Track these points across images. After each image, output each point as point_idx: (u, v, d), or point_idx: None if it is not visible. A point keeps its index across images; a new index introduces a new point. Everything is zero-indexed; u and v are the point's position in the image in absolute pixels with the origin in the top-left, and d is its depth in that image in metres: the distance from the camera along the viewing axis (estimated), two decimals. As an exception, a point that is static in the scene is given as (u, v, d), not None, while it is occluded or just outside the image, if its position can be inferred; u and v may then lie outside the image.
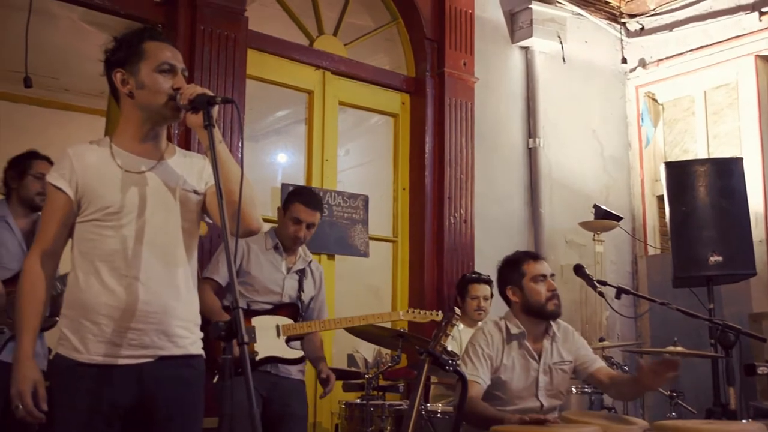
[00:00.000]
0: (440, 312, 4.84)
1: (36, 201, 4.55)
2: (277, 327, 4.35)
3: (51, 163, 4.62)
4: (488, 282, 5.59)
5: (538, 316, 4.07)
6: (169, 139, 2.96)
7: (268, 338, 4.29)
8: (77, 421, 2.59)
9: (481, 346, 4.00)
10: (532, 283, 4.06)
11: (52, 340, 2.87)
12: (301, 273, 4.61)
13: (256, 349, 4.19)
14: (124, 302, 2.62)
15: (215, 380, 3.89)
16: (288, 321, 4.41)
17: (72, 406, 2.60)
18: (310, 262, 4.70)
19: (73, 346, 2.64)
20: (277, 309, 4.43)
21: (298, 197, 4.58)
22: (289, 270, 4.55)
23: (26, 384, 2.56)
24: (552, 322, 4.13)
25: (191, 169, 2.83)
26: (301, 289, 4.57)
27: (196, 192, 2.79)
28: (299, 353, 4.45)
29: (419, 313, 4.81)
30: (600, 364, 4.22)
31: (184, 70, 2.78)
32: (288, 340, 4.39)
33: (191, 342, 2.75)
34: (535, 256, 4.23)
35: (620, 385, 4.12)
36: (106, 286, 2.63)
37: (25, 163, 4.60)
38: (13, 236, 4.47)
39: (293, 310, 4.48)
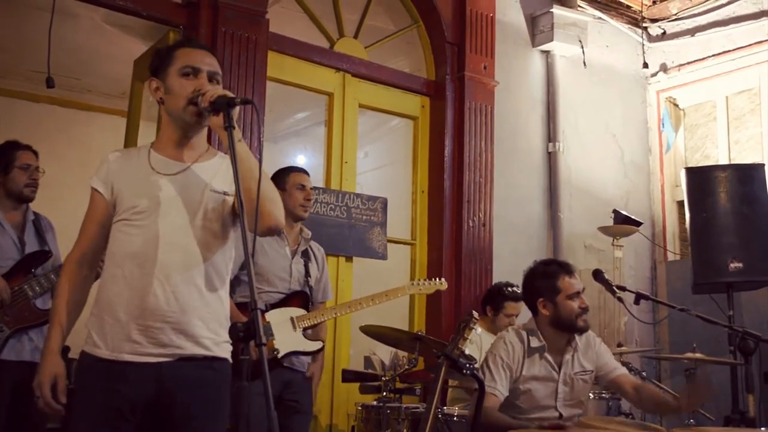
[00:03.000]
0: (443, 280, 4.88)
1: (25, 193, 4.45)
2: (292, 320, 4.33)
3: (34, 152, 4.55)
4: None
5: (566, 330, 4.09)
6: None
7: (286, 333, 4.27)
8: (92, 414, 2.63)
9: (501, 356, 4.03)
10: (567, 301, 4.05)
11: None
12: (306, 256, 4.57)
13: (276, 346, 4.18)
14: (144, 300, 2.65)
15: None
16: (301, 312, 4.38)
17: (88, 399, 2.65)
18: (310, 239, 4.65)
19: (95, 342, 2.69)
20: (288, 299, 4.39)
21: (291, 169, 4.61)
22: (293, 254, 4.51)
23: (46, 376, 2.65)
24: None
25: (227, 171, 2.84)
26: (307, 274, 4.53)
27: (225, 194, 2.80)
28: (319, 343, 4.45)
29: (424, 284, 4.82)
30: (622, 370, 4.26)
31: (215, 74, 2.80)
32: (304, 331, 4.40)
33: (215, 343, 2.74)
34: (569, 270, 4.18)
35: (648, 400, 4.13)
36: (128, 284, 2.67)
37: (10, 155, 4.47)
38: (4, 231, 4.37)
39: (304, 298, 4.44)
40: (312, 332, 4.58)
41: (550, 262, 4.36)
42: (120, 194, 2.77)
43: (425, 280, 4.91)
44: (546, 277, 4.14)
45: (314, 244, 4.73)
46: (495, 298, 5.74)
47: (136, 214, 2.72)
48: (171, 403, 2.65)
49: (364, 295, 4.68)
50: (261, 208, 2.54)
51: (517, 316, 5.59)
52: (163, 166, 2.79)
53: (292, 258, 4.50)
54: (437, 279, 4.89)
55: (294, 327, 4.33)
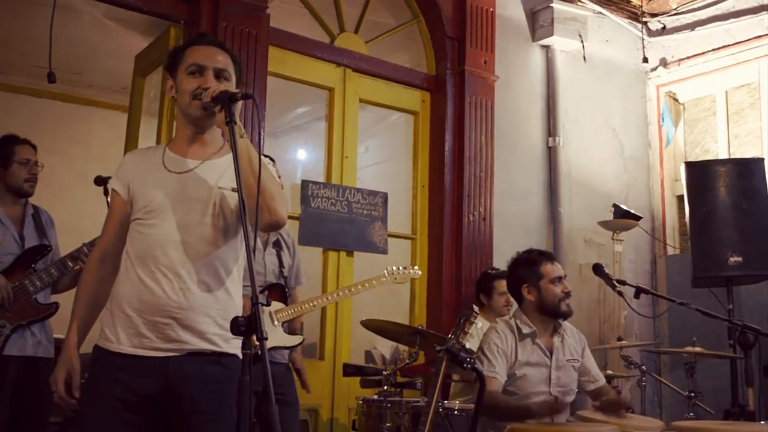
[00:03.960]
0: (416, 268, 4.99)
1: (25, 188, 4.45)
2: (270, 314, 4.35)
3: (33, 146, 4.56)
4: None
5: (551, 315, 4.24)
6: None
7: (266, 328, 4.28)
8: (100, 405, 2.68)
9: (495, 343, 4.13)
10: (550, 285, 4.22)
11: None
12: (277, 246, 4.58)
13: (257, 342, 4.19)
14: (152, 296, 2.69)
15: None
16: (279, 305, 4.41)
17: (97, 390, 2.71)
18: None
19: (106, 336, 2.76)
20: (265, 292, 4.40)
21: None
22: (265, 245, 4.52)
23: (60, 372, 2.76)
24: (560, 321, 4.31)
25: None
26: (281, 264, 4.54)
27: (234, 190, 2.82)
28: (299, 337, 4.48)
29: (399, 272, 4.87)
30: (603, 381, 4.48)
31: (222, 70, 2.82)
32: (283, 325, 4.42)
33: (224, 339, 2.75)
34: (550, 257, 4.37)
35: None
36: (138, 281, 2.72)
37: (9, 150, 4.47)
38: (4, 227, 4.38)
39: (280, 290, 4.46)
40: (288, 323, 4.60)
41: (531, 250, 4.50)
42: (135, 193, 2.83)
43: (402, 268, 4.93)
44: (528, 264, 4.31)
45: (283, 232, 4.73)
46: (484, 283, 5.81)
47: (147, 213, 2.78)
48: (177, 397, 2.68)
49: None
50: (261, 203, 2.56)
51: None
52: (175, 164, 2.83)
53: (264, 250, 4.51)
54: (412, 268, 4.96)
55: (273, 322, 4.34)
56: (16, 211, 4.48)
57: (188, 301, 2.70)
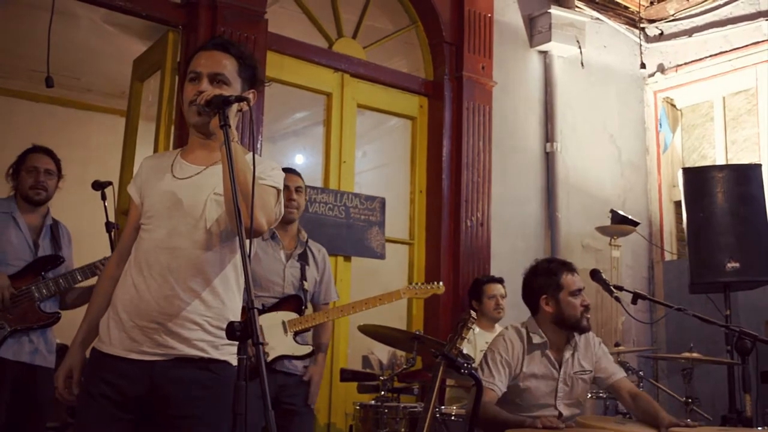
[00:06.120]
0: (440, 283, 4.87)
1: (30, 195, 4.45)
2: (283, 323, 4.34)
3: (50, 155, 4.57)
4: (501, 281, 5.71)
5: (570, 328, 4.08)
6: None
7: (277, 336, 4.30)
8: (91, 405, 2.71)
9: (500, 352, 4.00)
10: (570, 298, 4.04)
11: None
12: (303, 259, 4.57)
13: (266, 350, 4.19)
14: (141, 301, 2.70)
15: None
16: (293, 315, 4.40)
17: (89, 390, 2.73)
18: (307, 241, 4.66)
19: (101, 337, 2.79)
20: (281, 303, 4.40)
21: None
22: (288, 257, 4.52)
23: (62, 369, 2.83)
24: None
25: None
26: (303, 278, 4.52)
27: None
28: (308, 348, 4.46)
29: (420, 288, 4.83)
30: (621, 374, 4.25)
31: (216, 75, 2.81)
32: (295, 335, 4.41)
33: (213, 346, 2.75)
34: (571, 268, 4.18)
35: (640, 410, 4.07)
36: (131, 285, 2.75)
37: (20, 159, 4.52)
38: (20, 232, 4.38)
39: (297, 302, 4.45)
40: (314, 334, 4.59)
41: (552, 260, 4.37)
42: (144, 198, 2.87)
43: (422, 283, 4.89)
44: (549, 274, 4.12)
45: (314, 245, 4.72)
46: (474, 290, 5.86)
47: (148, 218, 2.81)
48: (164, 401, 2.68)
49: (361, 297, 4.66)
50: (243, 208, 2.54)
51: (503, 297, 5.66)
52: (181, 170, 2.86)
53: (287, 261, 4.50)
54: (435, 283, 4.88)
55: (285, 331, 4.34)
56: (34, 219, 4.50)
57: (175, 307, 2.70)
